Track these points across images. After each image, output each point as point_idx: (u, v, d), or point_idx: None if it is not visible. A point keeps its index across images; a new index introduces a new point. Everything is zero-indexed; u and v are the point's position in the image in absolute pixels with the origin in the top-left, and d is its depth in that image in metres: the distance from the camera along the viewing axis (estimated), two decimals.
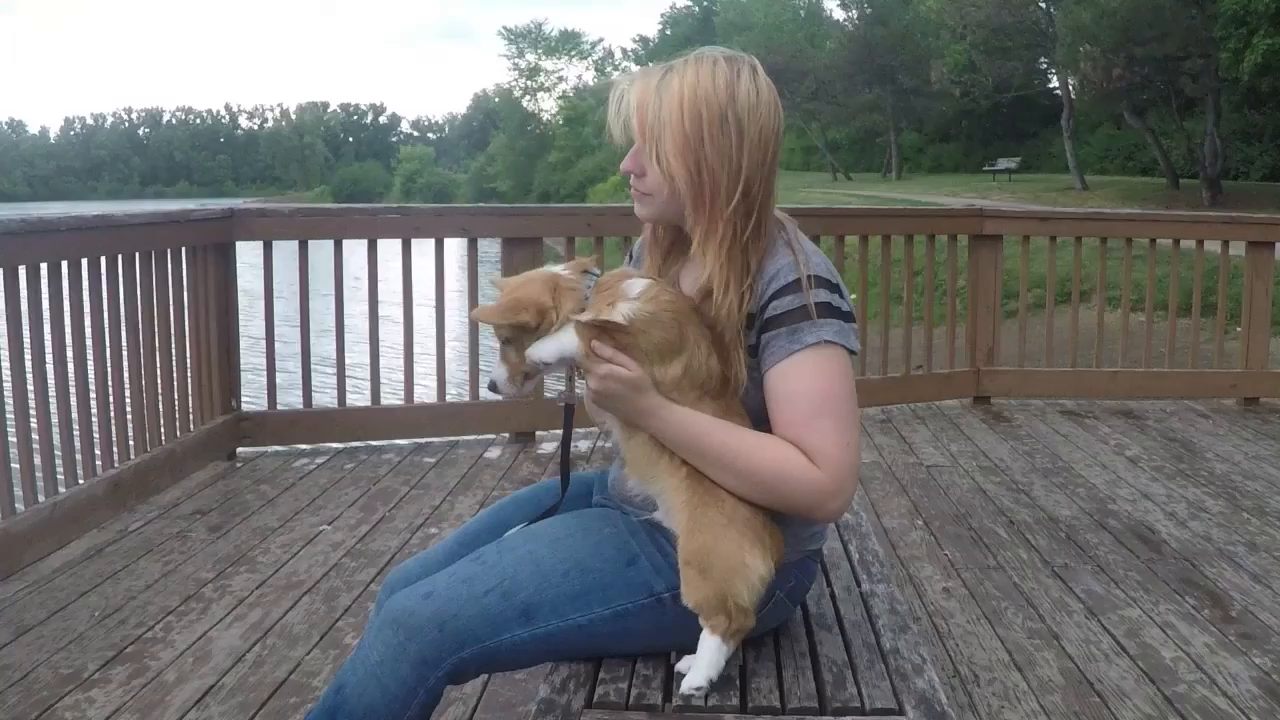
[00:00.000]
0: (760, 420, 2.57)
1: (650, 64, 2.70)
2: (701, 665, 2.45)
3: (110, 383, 5.75)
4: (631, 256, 2.98)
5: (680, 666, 2.52)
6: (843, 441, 2.49)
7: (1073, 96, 49.55)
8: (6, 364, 5.12)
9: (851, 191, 51.20)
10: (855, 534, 3.54)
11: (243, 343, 7.22)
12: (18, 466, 5.13)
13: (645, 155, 2.58)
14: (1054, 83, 59.39)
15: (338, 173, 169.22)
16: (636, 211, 2.72)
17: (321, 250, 7.22)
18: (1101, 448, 7.67)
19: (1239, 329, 9.41)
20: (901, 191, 50.41)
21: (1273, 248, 9.13)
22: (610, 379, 2.47)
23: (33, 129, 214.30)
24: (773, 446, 2.49)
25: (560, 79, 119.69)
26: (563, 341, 2.48)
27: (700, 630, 2.51)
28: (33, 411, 5.19)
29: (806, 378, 2.50)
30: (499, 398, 2.53)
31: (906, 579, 5.14)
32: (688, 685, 2.44)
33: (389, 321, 7.43)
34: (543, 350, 2.48)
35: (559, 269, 2.59)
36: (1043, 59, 56.08)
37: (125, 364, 5.88)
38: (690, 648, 2.61)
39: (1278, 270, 9.23)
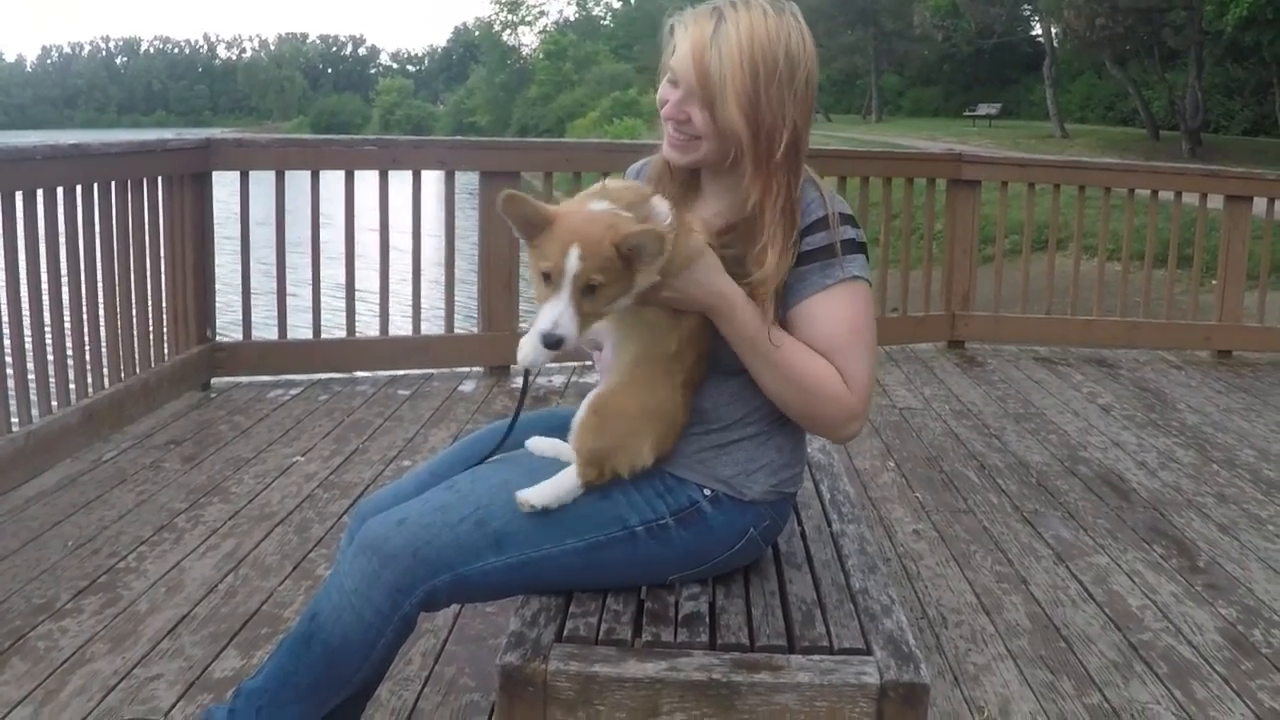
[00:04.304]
0: None
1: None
2: (548, 490, 2.59)
3: (85, 312, 5.72)
4: None
5: (523, 493, 2.59)
6: (869, 370, 2.63)
7: (1055, 44, 49.51)
8: None
9: (830, 133, 51.02)
10: (827, 474, 3.55)
11: (218, 273, 7.19)
12: None
13: (695, 102, 2.58)
14: (1037, 30, 59.39)
15: (316, 104, 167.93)
16: (673, 156, 2.70)
17: (298, 181, 7.19)
18: (1074, 395, 7.71)
19: (1214, 282, 9.45)
20: (881, 134, 50.35)
21: (1250, 202, 9.16)
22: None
23: (9, 57, 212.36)
24: (819, 359, 2.59)
25: (542, 13, 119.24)
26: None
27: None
28: (6, 339, 5.18)
29: (839, 309, 2.61)
30: (546, 354, 2.38)
31: (876, 520, 5.17)
32: (522, 495, 2.57)
33: (366, 253, 7.40)
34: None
35: (617, 209, 2.43)
36: (1026, 5, 56.06)
37: (100, 293, 5.85)
38: (660, 582, 2.66)
39: (1254, 224, 9.27)
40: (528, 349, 2.39)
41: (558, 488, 2.59)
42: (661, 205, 2.48)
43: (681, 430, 2.66)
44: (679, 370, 2.59)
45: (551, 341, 2.33)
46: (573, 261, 2.29)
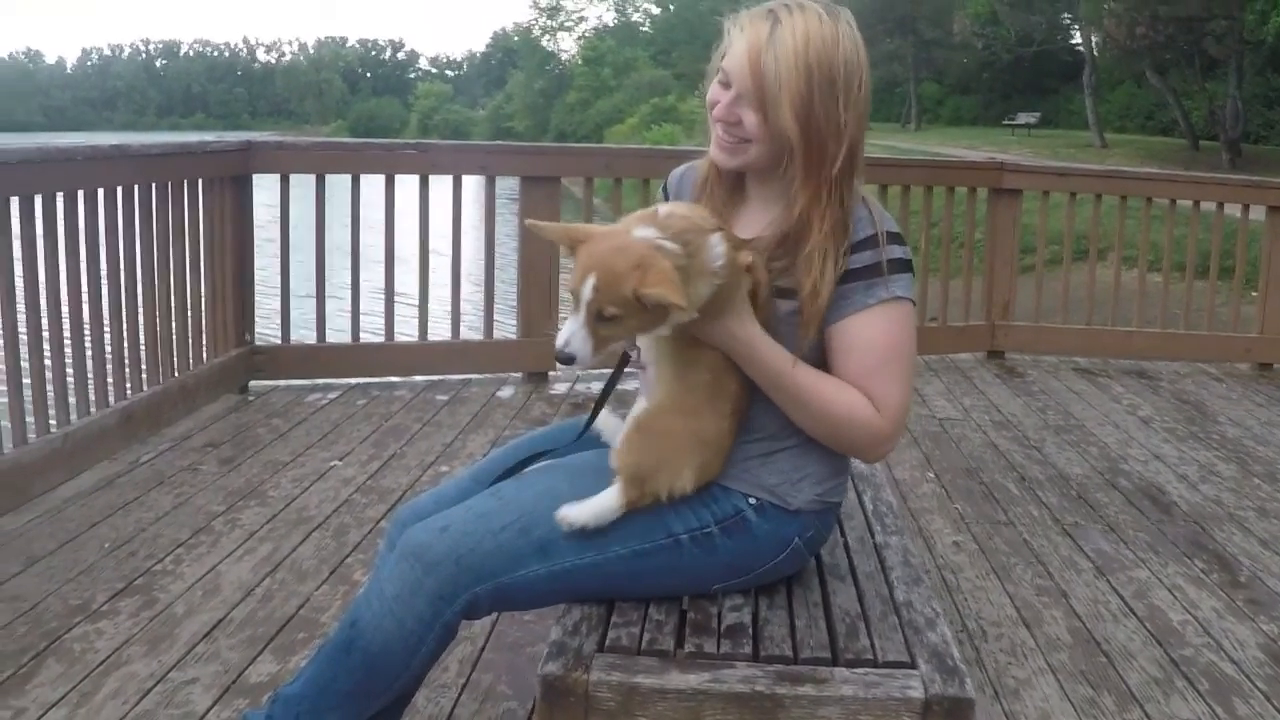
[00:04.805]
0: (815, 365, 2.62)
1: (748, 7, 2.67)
2: (589, 509, 2.57)
3: (124, 313, 5.73)
4: (666, 194, 2.96)
5: (564, 511, 2.58)
6: (904, 392, 2.61)
7: (1095, 53, 49.45)
8: (21, 292, 5.09)
9: (870, 141, 49.23)
10: (869, 485, 3.53)
11: (257, 276, 7.21)
12: (30, 395, 5.13)
13: (748, 105, 2.56)
14: (1076, 38, 59.18)
15: (354, 108, 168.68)
16: (721, 159, 2.69)
17: (338, 184, 7.20)
18: (1114, 407, 7.66)
19: (1255, 294, 9.38)
20: (920, 142, 50.24)
21: None
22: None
23: (50, 59, 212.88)
24: (845, 392, 2.58)
25: (581, 19, 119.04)
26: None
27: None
28: (46, 341, 5.18)
29: (878, 330, 2.59)
30: (566, 368, 2.45)
31: (916, 531, 5.14)
32: (563, 514, 2.56)
33: (405, 257, 7.41)
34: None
35: (663, 239, 2.38)
36: (1066, 14, 55.96)
37: (139, 295, 5.86)
38: (703, 591, 2.65)
39: None
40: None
41: (598, 506, 2.57)
42: (719, 246, 2.43)
43: (725, 457, 2.65)
44: (726, 399, 2.59)
45: (562, 358, 2.36)
46: (587, 291, 2.31)
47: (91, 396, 5.53)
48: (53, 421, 5.23)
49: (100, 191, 5.55)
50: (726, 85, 2.60)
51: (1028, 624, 4.24)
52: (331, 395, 7.09)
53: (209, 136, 7.92)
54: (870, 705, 2.30)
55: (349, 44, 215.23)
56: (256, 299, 7.21)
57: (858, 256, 2.58)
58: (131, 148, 5.93)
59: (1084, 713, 3.62)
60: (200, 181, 6.44)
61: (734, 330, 2.50)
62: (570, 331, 2.34)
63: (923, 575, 2.89)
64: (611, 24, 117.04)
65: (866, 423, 2.57)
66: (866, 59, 2.58)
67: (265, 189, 7.12)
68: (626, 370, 2.78)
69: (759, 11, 2.56)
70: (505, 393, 7.36)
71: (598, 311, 2.31)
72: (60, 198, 5.26)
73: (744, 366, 2.55)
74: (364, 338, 7.55)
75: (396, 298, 7.42)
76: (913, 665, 2.41)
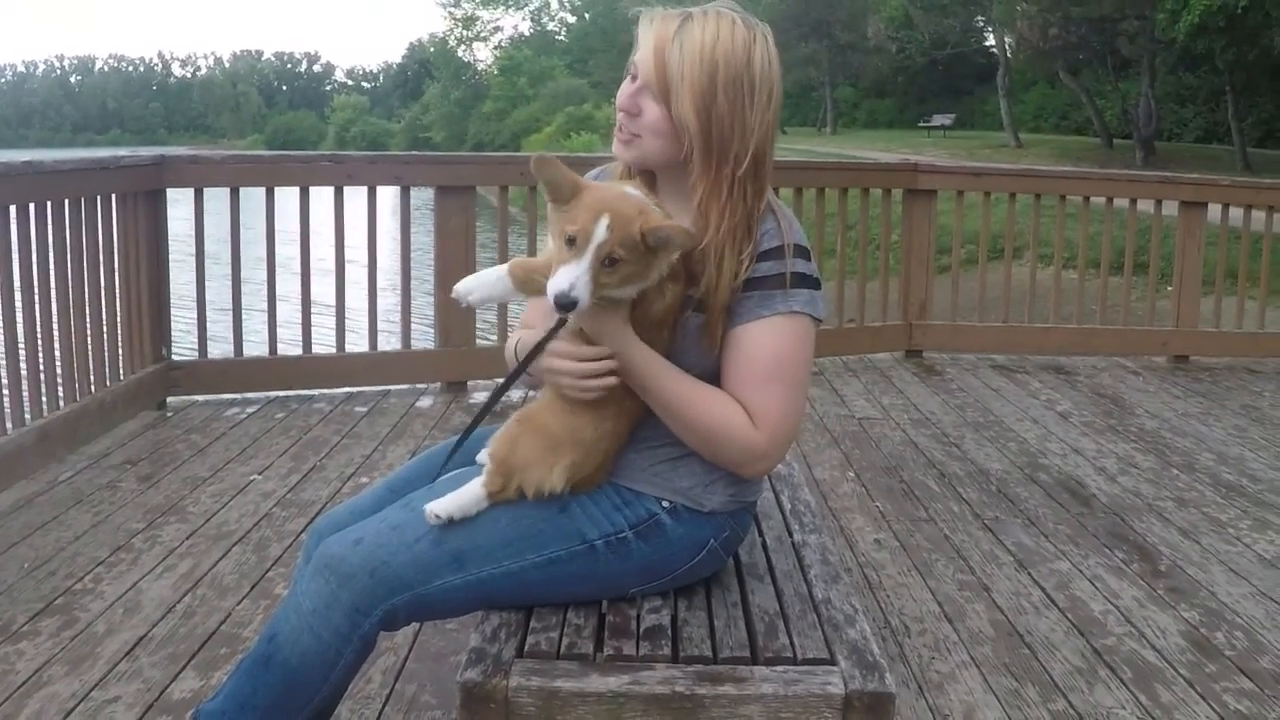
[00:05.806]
0: (710, 375, 2.62)
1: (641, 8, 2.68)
2: (454, 500, 2.60)
3: (39, 331, 5.66)
4: None
5: (430, 505, 2.60)
6: (787, 409, 2.59)
7: (1009, 55, 49.85)
8: None
9: (786, 145, 50.91)
10: (787, 484, 3.55)
11: (174, 291, 7.12)
12: None
13: (650, 96, 2.59)
14: (990, 40, 59.84)
15: (271, 121, 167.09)
16: (620, 153, 2.71)
17: (253, 198, 7.15)
18: (1032, 402, 7.73)
19: (1170, 288, 9.49)
20: (836, 146, 50.53)
21: (1205, 208, 9.23)
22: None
23: None
24: (719, 404, 2.57)
25: (497, 29, 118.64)
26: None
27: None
28: None
29: (768, 342, 2.57)
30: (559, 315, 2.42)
31: (838, 530, 5.16)
32: (429, 508, 2.57)
33: (321, 270, 7.36)
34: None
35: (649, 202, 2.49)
36: (979, 16, 56.34)
37: (54, 312, 5.79)
38: (621, 595, 2.65)
39: (1209, 230, 9.31)
40: (468, 282, 2.50)
41: (463, 497, 2.59)
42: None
43: (605, 462, 2.66)
44: (609, 401, 2.57)
45: (565, 302, 2.33)
46: (601, 230, 2.31)
47: (7, 415, 5.45)
48: None
49: (12, 209, 5.48)
50: (634, 78, 2.62)
51: (950, 619, 4.27)
52: (250, 409, 7.03)
53: (124, 152, 7.78)
54: (790, 703, 2.31)
55: (265, 57, 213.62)
56: (173, 314, 7.13)
57: (761, 266, 2.59)
58: (44, 164, 5.86)
59: (1008, 704, 3.65)
60: (114, 197, 6.36)
61: (611, 329, 2.51)
62: (575, 275, 2.32)
63: (841, 573, 2.91)
64: (528, 33, 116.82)
65: (742, 436, 2.57)
66: (780, 73, 2.60)
67: (183, 204, 7.06)
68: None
69: (674, 11, 2.58)
70: (424, 403, 7.33)
71: (608, 253, 2.33)
72: None
73: (622, 365, 2.54)
74: (281, 350, 7.50)
75: (314, 310, 7.38)
76: (832, 662, 2.42)
